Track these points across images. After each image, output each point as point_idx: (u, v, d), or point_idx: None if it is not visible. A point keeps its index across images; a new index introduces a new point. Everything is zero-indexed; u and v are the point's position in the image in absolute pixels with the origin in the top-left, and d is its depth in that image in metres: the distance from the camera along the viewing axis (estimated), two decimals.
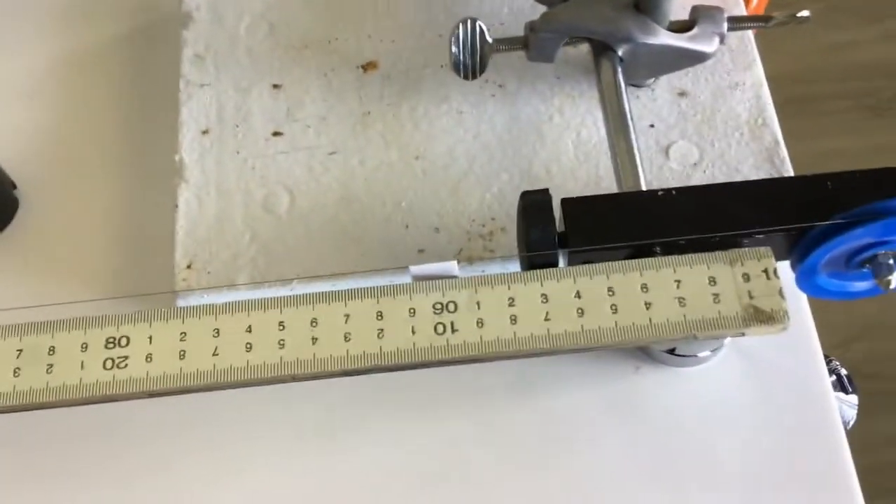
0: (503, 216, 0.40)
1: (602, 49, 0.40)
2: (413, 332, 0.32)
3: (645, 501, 0.37)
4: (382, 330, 0.32)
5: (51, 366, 0.32)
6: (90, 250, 0.43)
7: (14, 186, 0.44)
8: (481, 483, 0.37)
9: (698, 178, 0.40)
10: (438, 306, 0.33)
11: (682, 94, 0.43)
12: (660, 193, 0.35)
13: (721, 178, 0.40)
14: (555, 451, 0.38)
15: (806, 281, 0.36)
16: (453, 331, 0.32)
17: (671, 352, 0.38)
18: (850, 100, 1.24)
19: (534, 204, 0.34)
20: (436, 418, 0.39)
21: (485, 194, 0.41)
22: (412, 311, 0.33)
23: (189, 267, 0.39)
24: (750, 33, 0.44)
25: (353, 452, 0.38)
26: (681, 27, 0.40)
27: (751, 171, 0.41)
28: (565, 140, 0.42)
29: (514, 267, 0.39)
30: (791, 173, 0.40)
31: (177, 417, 0.39)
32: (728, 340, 0.39)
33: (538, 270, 0.33)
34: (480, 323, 0.32)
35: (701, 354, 0.39)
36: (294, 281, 0.38)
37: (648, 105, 0.42)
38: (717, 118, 0.42)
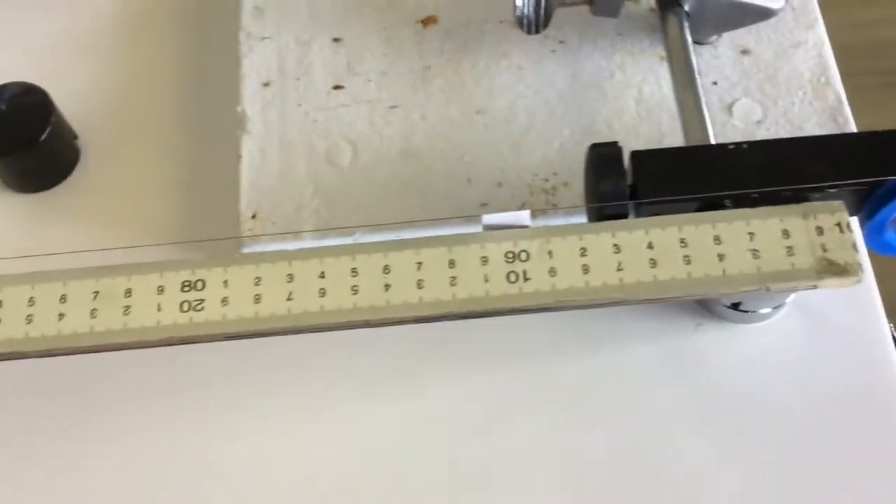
0: (565, 171, 0.40)
1: (668, 3, 0.39)
2: (486, 280, 0.33)
3: (700, 458, 0.37)
4: (455, 278, 0.33)
5: (128, 307, 0.33)
6: (151, 201, 0.43)
7: (75, 137, 0.44)
8: (534, 437, 0.38)
9: (762, 136, 0.40)
10: (510, 255, 0.33)
11: (745, 51, 0.42)
12: (730, 147, 0.35)
13: (784, 136, 0.40)
14: (610, 406, 0.38)
15: (873, 237, 0.36)
16: (526, 279, 0.33)
17: (734, 307, 0.38)
18: (877, 76, 1.23)
19: (604, 156, 0.34)
20: (488, 371, 0.39)
21: (546, 149, 0.41)
22: (484, 259, 0.33)
23: (254, 217, 0.39)
24: None
25: (403, 403, 0.38)
26: None
27: (814, 129, 0.40)
28: (627, 97, 0.42)
29: (578, 221, 0.39)
30: (854, 131, 0.40)
31: (220, 366, 0.39)
32: (790, 298, 0.39)
33: (609, 221, 0.33)
34: (553, 272, 0.33)
35: (762, 311, 0.39)
36: (358, 232, 0.39)
37: (711, 62, 0.42)
38: (780, 76, 0.42)
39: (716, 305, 0.39)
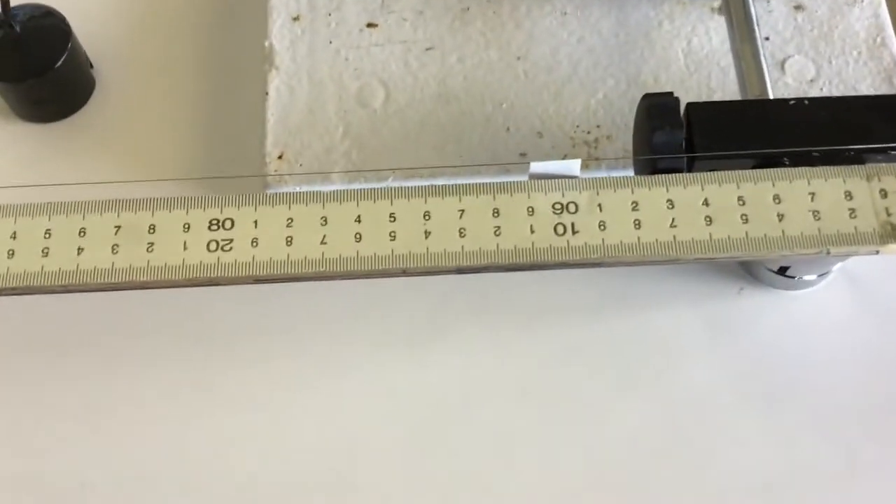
0: (609, 123, 0.38)
1: None
2: (532, 231, 0.31)
3: (739, 425, 0.36)
4: (499, 227, 0.31)
5: (151, 244, 0.31)
6: (171, 136, 0.41)
7: (91, 65, 0.42)
8: (573, 399, 0.36)
9: (815, 95, 0.38)
10: (558, 206, 0.31)
11: (799, 7, 0.40)
12: (791, 102, 0.33)
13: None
14: (650, 370, 0.37)
15: None
16: (574, 232, 0.31)
17: (780, 272, 0.37)
18: None
19: (660, 105, 0.32)
20: (528, 329, 0.37)
21: (590, 100, 0.39)
22: (530, 209, 0.31)
23: (281, 157, 0.37)
24: None
25: (438, 359, 0.37)
26: None
27: (868, 91, 0.39)
28: (675, 48, 0.40)
29: (620, 175, 0.37)
30: None
31: (253, 317, 0.38)
32: (837, 265, 0.37)
33: (662, 175, 0.32)
34: (602, 226, 0.31)
35: (808, 278, 0.37)
36: (391, 177, 0.37)
37: (763, 17, 0.40)
38: (835, 35, 0.40)
39: (760, 270, 0.37)
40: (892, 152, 0.32)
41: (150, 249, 0.31)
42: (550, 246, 0.31)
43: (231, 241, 0.31)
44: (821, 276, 0.37)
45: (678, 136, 0.32)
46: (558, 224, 0.31)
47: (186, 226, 0.31)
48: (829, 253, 0.31)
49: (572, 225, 0.31)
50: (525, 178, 0.36)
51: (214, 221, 0.31)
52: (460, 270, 0.31)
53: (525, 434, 0.36)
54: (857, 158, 0.32)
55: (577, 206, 0.31)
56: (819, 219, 0.31)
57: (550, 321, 0.37)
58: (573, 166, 0.32)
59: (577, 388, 0.36)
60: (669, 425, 0.36)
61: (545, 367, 0.37)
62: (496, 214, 0.31)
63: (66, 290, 0.31)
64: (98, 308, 0.37)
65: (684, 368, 0.37)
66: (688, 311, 0.37)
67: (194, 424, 0.36)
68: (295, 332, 0.37)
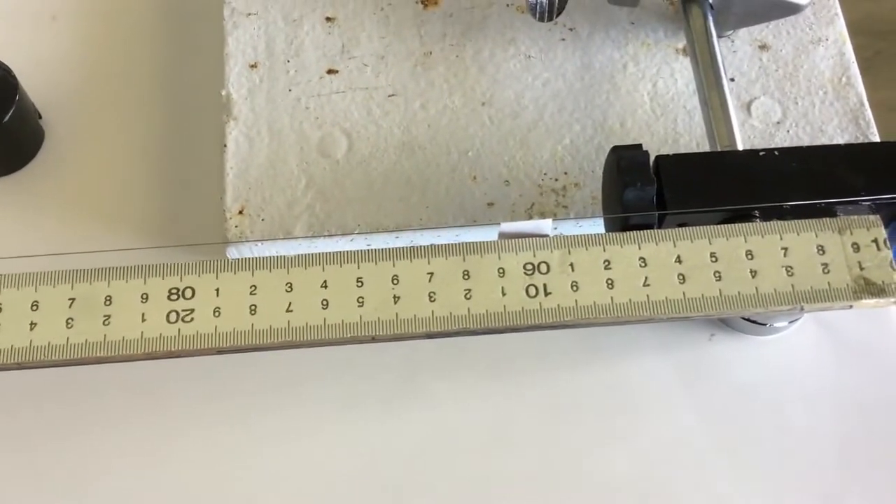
0: (576, 170, 0.38)
1: None
2: (503, 294, 0.30)
3: (714, 472, 0.35)
4: (470, 290, 0.30)
5: (108, 317, 0.30)
6: (126, 188, 0.40)
7: (39, 116, 0.40)
8: (548, 451, 0.36)
9: (781, 138, 0.38)
10: (530, 266, 0.30)
11: (763, 47, 0.40)
12: (761, 154, 0.33)
13: (805, 139, 0.38)
14: (623, 419, 0.36)
15: None
16: (546, 293, 0.30)
17: (751, 320, 0.36)
18: None
19: (631, 161, 0.32)
20: (499, 382, 0.37)
21: (556, 146, 0.38)
22: (501, 270, 0.30)
23: (241, 212, 0.36)
24: None
25: (412, 416, 0.36)
26: None
27: (835, 132, 0.39)
28: (640, 91, 0.39)
29: (590, 225, 0.37)
30: (877, 136, 0.39)
31: (220, 377, 0.36)
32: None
33: (634, 232, 0.31)
34: (575, 286, 0.30)
35: (778, 324, 0.37)
36: (356, 232, 0.36)
37: (728, 57, 0.40)
38: (800, 75, 0.40)
39: (730, 317, 0.37)
40: (863, 203, 0.32)
41: (106, 322, 0.29)
42: (522, 309, 0.30)
43: (192, 311, 0.30)
44: (791, 322, 0.37)
45: (649, 192, 0.31)
46: (530, 285, 0.30)
47: (144, 296, 0.30)
48: (802, 309, 0.30)
49: (544, 286, 0.30)
50: (493, 227, 0.36)
51: (174, 290, 0.30)
52: (430, 336, 0.30)
53: (501, 487, 0.35)
54: (829, 210, 0.32)
55: (548, 265, 0.31)
56: (792, 275, 0.30)
57: (522, 374, 0.37)
58: (544, 226, 0.31)
59: (551, 440, 0.36)
60: (645, 473, 0.35)
61: (519, 420, 0.36)
62: (466, 277, 0.30)
63: (20, 367, 0.29)
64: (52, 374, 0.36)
65: (658, 416, 0.36)
66: (660, 358, 0.37)
67: (165, 486, 0.35)
68: (264, 393, 0.36)
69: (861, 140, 0.38)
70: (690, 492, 0.35)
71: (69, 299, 0.30)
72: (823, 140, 0.38)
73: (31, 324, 0.29)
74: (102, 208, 0.39)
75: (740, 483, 0.35)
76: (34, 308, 0.30)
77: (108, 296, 0.30)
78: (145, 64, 0.42)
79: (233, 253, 0.36)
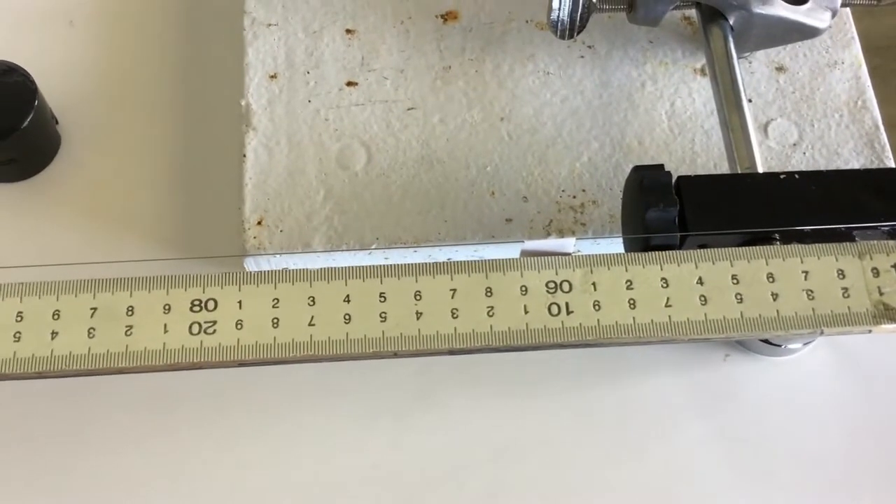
0: (594, 188, 0.38)
1: (712, 16, 0.37)
2: (526, 312, 0.30)
3: (728, 493, 0.36)
4: (492, 308, 0.30)
5: (130, 327, 0.29)
6: (140, 197, 0.39)
7: (56, 121, 0.40)
8: (557, 466, 0.36)
9: (798, 160, 0.39)
10: (552, 285, 0.31)
11: (780, 69, 0.41)
12: (782, 177, 0.33)
13: (821, 161, 0.38)
14: (638, 437, 0.36)
15: None
16: (568, 312, 0.30)
17: (766, 340, 0.37)
18: None
19: (653, 181, 0.32)
20: (511, 397, 0.37)
21: (574, 163, 0.38)
22: (524, 288, 0.30)
23: (260, 223, 0.36)
24: (848, 9, 0.42)
25: (427, 431, 0.36)
26: None
27: (851, 155, 0.39)
28: (658, 110, 0.39)
29: (608, 244, 0.37)
30: (891, 160, 0.39)
31: (235, 390, 0.36)
32: None
33: (656, 252, 0.31)
34: (597, 305, 0.30)
35: (793, 346, 0.37)
36: (374, 245, 0.36)
37: (745, 78, 0.40)
38: (817, 97, 0.40)
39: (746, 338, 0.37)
40: (883, 229, 0.32)
41: (128, 333, 0.29)
42: (545, 327, 0.30)
43: (214, 322, 0.30)
44: (805, 343, 0.37)
45: (671, 213, 0.32)
46: (552, 304, 0.30)
47: (167, 307, 0.30)
48: (822, 333, 0.30)
49: (566, 305, 0.30)
50: (512, 244, 0.36)
51: (197, 302, 0.30)
52: (453, 352, 0.30)
53: (515, 503, 0.35)
54: (847, 235, 0.32)
55: (570, 284, 0.31)
56: (813, 298, 0.30)
57: (538, 391, 0.37)
58: (566, 244, 0.31)
59: (566, 457, 0.36)
60: (659, 493, 0.35)
61: (533, 436, 0.36)
62: (489, 294, 0.30)
63: (41, 376, 0.29)
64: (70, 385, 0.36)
65: (672, 435, 0.36)
66: (675, 377, 0.37)
67: (179, 496, 0.35)
68: (279, 405, 0.36)
69: (876, 163, 0.39)
70: None
71: (91, 309, 0.30)
72: (839, 162, 0.39)
73: (53, 333, 0.29)
74: (118, 215, 0.39)
75: (750, 501, 0.35)
76: (56, 317, 0.29)
77: (130, 306, 0.30)
78: (164, 71, 0.42)
79: (251, 264, 0.36)
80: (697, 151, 0.39)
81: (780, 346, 0.37)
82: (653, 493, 0.35)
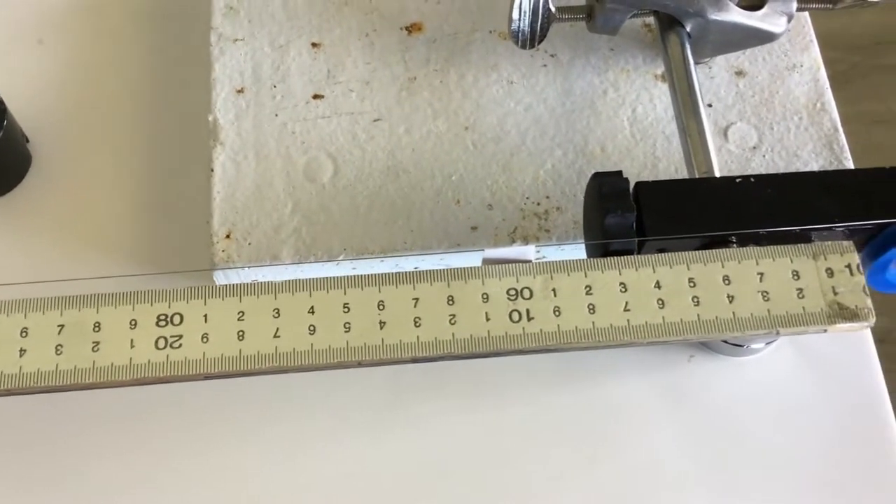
0: (558, 194, 0.38)
1: (669, 23, 0.38)
2: (487, 319, 0.31)
3: (695, 491, 0.36)
4: (454, 315, 0.31)
5: (97, 343, 0.30)
6: (111, 214, 0.40)
7: (27, 140, 0.41)
8: (528, 471, 0.36)
9: (758, 163, 0.39)
10: (513, 292, 0.31)
11: (740, 73, 0.41)
12: (738, 181, 0.33)
13: (780, 164, 0.39)
14: (605, 440, 0.37)
15: (875, 276, 0.35)
16: (529, 319, 0.31)
17: (727, 341, 0.37)
18: None
19: (612, 188, 0.33)
20: (480, 405, 0.37)
21: (538, 170, 0.39)
22: (485, 296, 0.31)
23: (228, 237, 0.37)
24: (807, 13, 0.43)
25: (397, 438, 0.37)
26: (750, 5, 0.38)
27: (810, 157, 0.39)
28: (620, 117, 0.40)
29: (572, 249, 0.38)
30: (850, 161, 0.40)
31: (206, 403, 0.37)
32: None
33: (615, 258, 0.32)
34: (557, 311, 0.31)
35: (755, 346, 0.38)
36: (341, 256, 0.36)
37: (706, 83, 0.41)
38: (776, 100, 0.41)
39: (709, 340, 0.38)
40: (837, 230, 0.33)
41: (95, 349, 0.30)
42: (506, 334, 0.31)
43: (180, 336, 0.30)
44: (768, 343, 0.38)
45: (629, 219, 0.32)
46: (513, 311, 0.31)
47: (133, 322, 0.30)
48: (778, 333, 0.31)
49: (527, 311, 0.31)
50: (477, 252, 0.36)
51: (163, 317, 0.30)
52: (416, 360, 0.31)
53: None
54: (804, 236, 0.33)
55: (531, 291, 0.31)
56: (768, 300, 0.31)
57: (505, 396, 0.37)
58: (527, 252, 0.32)
59: (534, 461, 0.36)
60: (627, 492, 0.36)
61: (502, 441, 0.37)
62: (451, 302, 0.31)
63: (9, 393, 0.30)
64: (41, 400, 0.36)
65: (639, 436, 0.37)
66: (640, 380, 0.38)
67: None
68: (250, 417, 0.37)
69: (835, 164, 0.39)
70: None
71: (58, 326, 0.30)
72: (798, 164, 0.39)
73: (21, 350, 0.30)
74: (89, 232, 0.39)
75: (720, 500, 0.36)
76: (24, 335, 0.30)
77: (97, 322, 0.30)
78: (132, 88, 0.43)
79: (220, 277, 0.37)
80: (659, 156, 0.39)
81: (742, 346, 0.38)
82: (621, 492, 0.36)
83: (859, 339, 0.39)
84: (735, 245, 0.32)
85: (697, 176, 0.35)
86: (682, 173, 0.39)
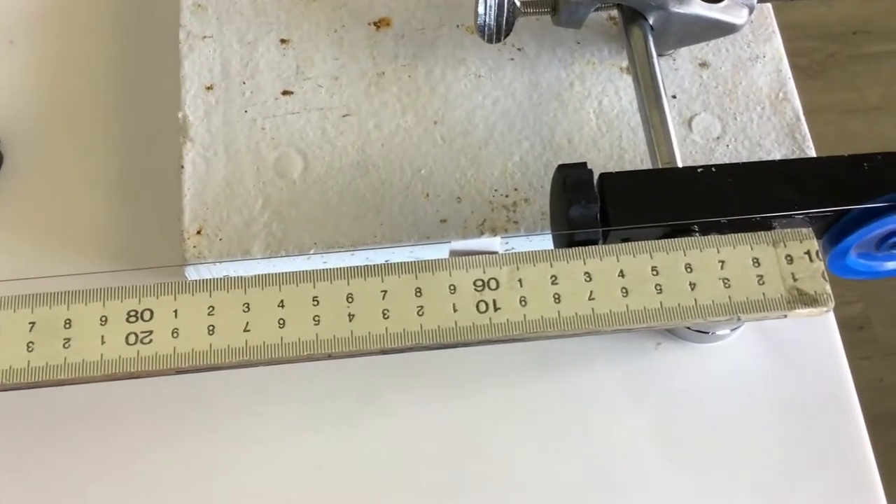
0: (526, 186, 0.39)
1: (632, 16, 0.38)
2: (454, 310, 0.31)
3: (663, 477, 0.37)
4: (422, 307, 0.31)
5: (68, 340, 0.30)
6: (82, 212, 0.40)
7: None
8: (500, 461, 0.37)
9: (721, 152, 0.40)
10: (479, 283, 0.32)
11: (704, 64, 0.42)
12: (699, 171, 0.34)
13: (744, 153, 0.40)
14: (575, 427, 0.37)
15: (836, 262, 0.35)
16: (496, 309, 0.31)
17: (692, 328, 0.38)
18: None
19: (575, 179, 0.33)
20: (452, 396, 0.38)
21: (506, 163, 0.39)
22: (452, 287, 0.32)
23: (199, 233, 0.37)
24: (769, 4, 0.43)
25: (370, 429, 0.37)
26: None
27: (772, 146, 0.40)
28: (587, 109, 0.41)
29: (540, 240, 0.38)
30: (812, 150, 0.40)
31: (180, 398, 0.37)
32: None
33: (580, 248, 0.32)
34: (523, 301, 0.31)
35: (720, 332, 0.39)
36: (312, 251, 0.37)
37: (670, 75, 0.41)
38: (739, 91, 0.41)
39: (674, 327, 0.38)
40: (797, 217, 0.33)
41: (66, 346, 0.30)
42: (473, 324, 0.31)
43: (151, 332, 0.31)
44: (733, 329, 0.39)
45: (593, 210, 0.33)
46: (480, 301, 0.31)
47: (104, 319, 0.31)
48: (739, 319, 0.32)
49: (494, 302, 0.31)
50: (446, 244, 0.37)
51: (133, 313, 0.31)
52: (385, 352, 0.31)
53: (457, 496, 0.36)
54: (764, 224, 0.33)
55: (497, 282, 0.32)
56: (729, 286, 0.32)
57: (477, 386, 0.38)
58: (493, 243, 0.32)
59: (506, 449, 0.37)
60: (596, 479, 0.37)
61: (474, 430, 0.37)
62: (419, 294, 0.31)
63: None
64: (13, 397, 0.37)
65: (608, 423, 0.38)
66: (609, 367, 0.38)
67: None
68: (223, 410, 0.37)
69: (797, 153, 0.40)
70: (641, 495, 0.36)
71: (29, 323, 0.30)
72: (761, 154, 0.40)
73: None
74: (61, 231, 0.40)
75: (689, 486, 0.37)
76: None
77: (68, 319, 0.31)
78: (103, 87, 0.43)
79: (192, 273, 0.37)
80: (625, 147, 0.40)
81: (707, 333, 0.38)
82: (591, 479, 0.37)
83: (824, 324, 0.39)
84: (697, 234, 0.33)
85: (661, 166, 0.36)
86: (648, 164, 0.39)
